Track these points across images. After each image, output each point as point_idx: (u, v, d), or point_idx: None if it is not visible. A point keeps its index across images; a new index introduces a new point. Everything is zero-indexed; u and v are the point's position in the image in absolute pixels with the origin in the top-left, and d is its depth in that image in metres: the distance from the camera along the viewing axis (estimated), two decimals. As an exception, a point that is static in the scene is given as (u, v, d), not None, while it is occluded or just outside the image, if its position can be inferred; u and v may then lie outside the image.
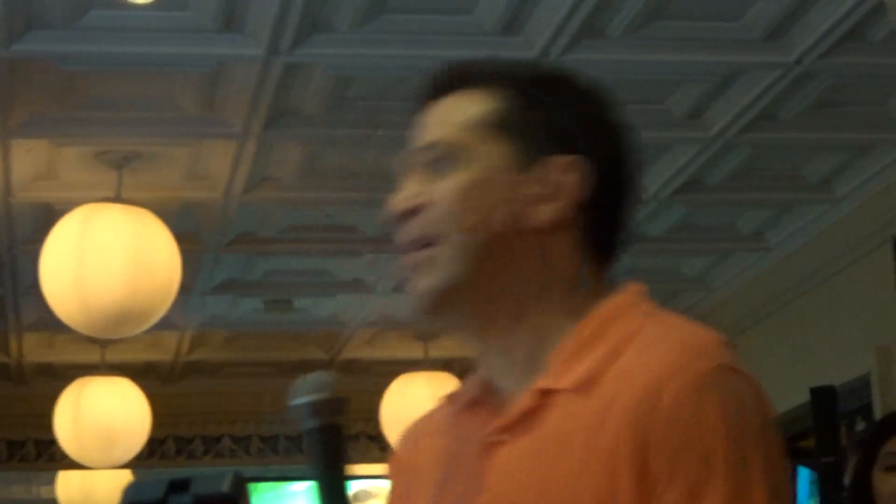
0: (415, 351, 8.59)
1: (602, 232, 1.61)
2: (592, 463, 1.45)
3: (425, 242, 1.57)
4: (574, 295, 1.58)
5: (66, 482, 10.02)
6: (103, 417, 7.62)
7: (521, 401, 1.52)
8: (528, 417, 1.52)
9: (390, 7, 4.46)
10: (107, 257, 5.32)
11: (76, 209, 5.48)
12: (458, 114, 1.62)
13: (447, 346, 8.61)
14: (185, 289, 6.17)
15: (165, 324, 6.32)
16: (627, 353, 1.50)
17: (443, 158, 1.59)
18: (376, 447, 9.18)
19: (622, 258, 1.64)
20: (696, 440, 1.43)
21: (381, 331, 8.56)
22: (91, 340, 7.14)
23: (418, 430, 1.76)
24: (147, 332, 5.99)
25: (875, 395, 6.28)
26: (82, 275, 5.29)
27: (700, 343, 1.51)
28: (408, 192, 1.60)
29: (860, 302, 6.47)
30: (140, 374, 8.44)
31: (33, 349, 8.44)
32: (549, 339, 1.55)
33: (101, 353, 8.09)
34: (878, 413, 5.97)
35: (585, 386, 1.49)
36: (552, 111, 1.62)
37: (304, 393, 1.57)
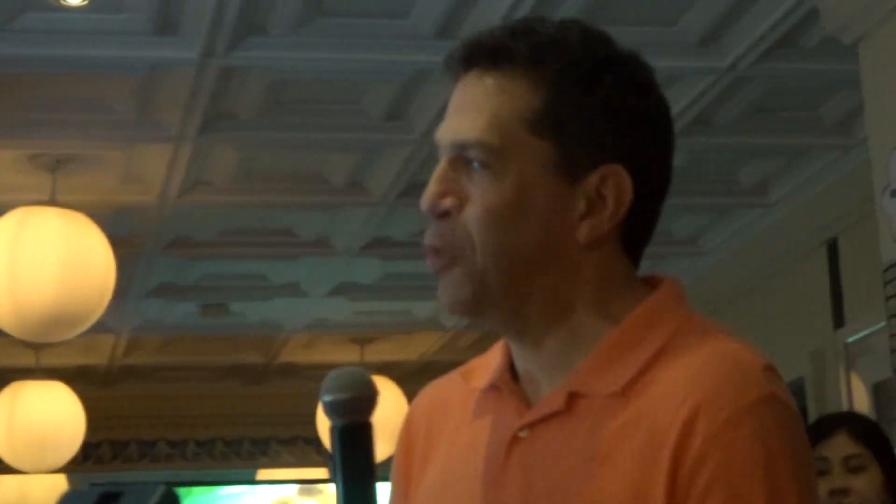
0: (351, 354, 8.60)
1: (639, 235, 1.52)
2: (618, 479, 1.40)
3: (448, 259, 1.47)
4: (610, 297, 1.49)
5: (2, 486, 9.95)
6: (37, 422, 7.57)
7: (550, 400, 1.47)
8: (554, 417, 1.46)
9: (326, 10, 4.44)
10: (41, 260, 5.26)
11: (10, 212, 5.43)
12: (497, 104, 1.46)
13: (383, 350, 8.61)
14: (121, 292, 6.13)
15: (100, 327, 6.30)
16: (665, 366, 1.44)
17: (477, 159, 1.46)
18: (313, 451, 9.17)
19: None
20: (731, 475, 1.38)
21: (316, 334, 8.56)
22: (25, 344, 7.11)
23: (432, 401, 1.67)
24: (82, 335, 5.94)
25: (809, 400, 6.34)
26: (16, 278, 5.25)
27: (744, 368, 1.44)
28: (438, 189, 1.47)
29: (794, 306, 6.51)
30: (75, 377, 8.40)
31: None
32: (583, 341, 1.48)
33: (35, 357, 8.05)
34: (811, 418, 6.03)
35: (617, 395, 1.43)
36: (605, 109, 1.47)
37: (327, 391, 1.46)
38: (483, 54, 1.49)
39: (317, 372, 8.71)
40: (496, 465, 1.47)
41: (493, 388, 1.53)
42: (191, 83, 4.78)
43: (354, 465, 1.41)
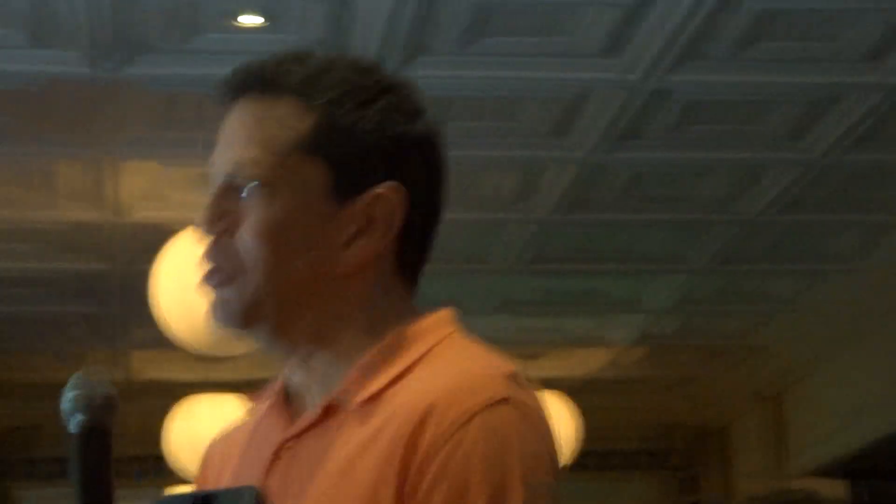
0: (196, 373, 8.50)
1: (413, 257, 1.55)
2: (357, 481, 1.43)
3: (225, 276, 1.50)
4: (379, 319, 1.52)
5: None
6: (210, 434, 7.72)
7: (310, 413, 1.50)
8: (312, 429, 1.49)
9: (491, 29, 4.51)
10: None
11: (186, 229, 5.59)
12: (268, 130, 1.49)
13: (546, 367, 8.61)
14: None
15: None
16: (414, 375, 1.47)
17: (246, 186, 1.48)
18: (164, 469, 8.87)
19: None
20: (453, 475, 1.39)
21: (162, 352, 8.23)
22: (199, 358, 7.25)
23: (224, 437, 1.72)
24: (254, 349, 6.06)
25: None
26: (191, 292, 5.40)
27: (483, 374, 1.45)
28: (211, 213, 1.51)
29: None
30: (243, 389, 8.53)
31: (143, 367, 8.58)
32: (349, 358, 1.50)
33: (207, 371, 8.20)
34: None
35: (367, 404, 1.46)
36: (373, 130, 1.49)
37: (71, 388, 1.40)
38: (252, 82, 1.50)
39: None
40: (264, 463, 1.51)
41: (270, 407, 1.58)
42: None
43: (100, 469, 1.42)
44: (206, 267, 1.52)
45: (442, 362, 1.48)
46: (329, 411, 1.47)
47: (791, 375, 8.61)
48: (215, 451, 1.70)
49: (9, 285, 7.11)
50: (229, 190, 1.49)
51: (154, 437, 7.95)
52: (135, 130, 5.28)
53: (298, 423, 1.51)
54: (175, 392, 8.13)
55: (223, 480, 1.58)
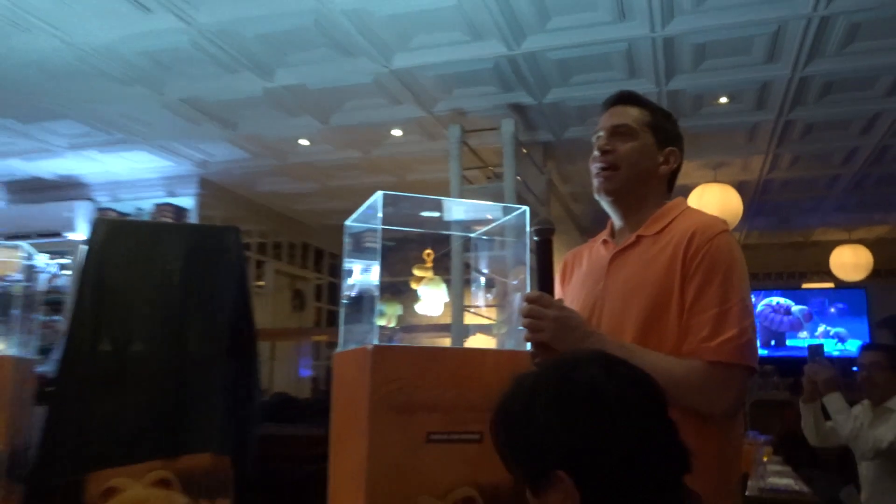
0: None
1: (673, 175, 3.31)
2: (658, 268, 3.02)
3: (612, 168, 3.22)
4: (660, 198, 3.27)
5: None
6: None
7: (626, 240, 3.21)
8: (628, 249, 3.18)
9: None
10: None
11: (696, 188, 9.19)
12: (631, 115, 3.26)
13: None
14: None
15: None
16: (676, 221, 3.14)
17: (624, 133, 3.23)
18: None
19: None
20: (707, 262, 2.95)
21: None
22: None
23: (577, 252, 3.49)
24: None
25: None
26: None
27: (713, 219, 3.08)
28: (605, 143, 3.24)
29: None
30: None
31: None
32: (648, 214, 3.23)
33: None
34: None
35: (657, 234, 3.14)
36: (667, 125, 3.29)
37: (533, 224, 3.04)
38: (624, 99, 3.31)
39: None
40: (601, 274, 3.20)
41: (603, 242, 3.35)
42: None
43: (548, 262, 3.03)
44: (600, 165, 3.25)
45: (691, 215, 3.16)
46: (638, 239, 3.19)
47: None
48: (570, 258, 3.52)
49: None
50: (612, 134, 3.26)
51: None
52: None
53: (621, 244, 3.23)
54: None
55: (574, 276, 3.40)
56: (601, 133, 3.28)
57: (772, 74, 7.68)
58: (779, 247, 15.45)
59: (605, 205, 3.30)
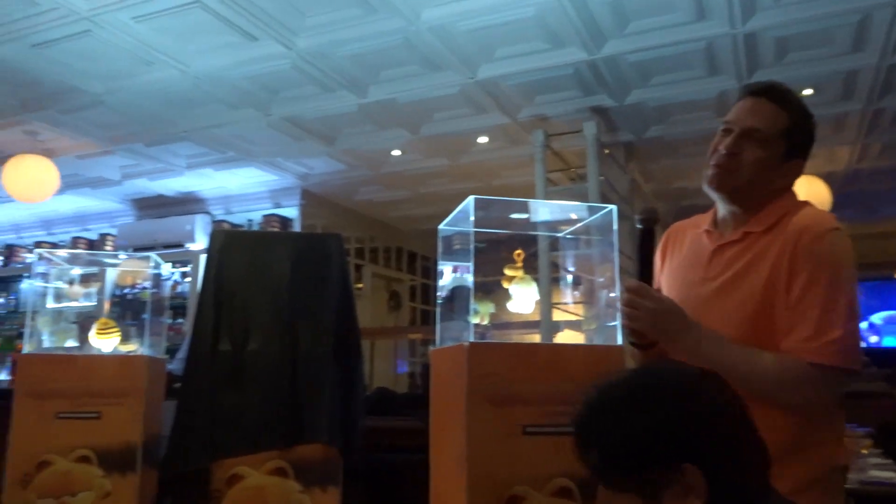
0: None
1: (794, 178, 3.15)
2: (766, 263, 2.92)
3: (732, 171, 3.05)
4: (772, 197, 3.09)
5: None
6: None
7: (732, 234, 3.09)
8: (733, 244, 3.06)
9: None
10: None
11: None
12: (769, 117, 3.04)
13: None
14: None
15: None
16: (787, 218, 2.99)
17: (755, 139, 3.03)
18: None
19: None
20: (815, 260, 2.85)
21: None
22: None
23: (681, 228, 3.34)
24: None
25: None
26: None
27: (825, 216, 2.95)
28: (732, 145, 3.05)
29: None
30: None
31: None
32: (757, 211, 3.08)
33: None
34: None
35: (765, 231, 3.01)
36: (803, 133, 3.09)
37: (638, 213, 3.03)
38: (763, 90, 3.10)
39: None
40: (705, 261, 3.11)
41: (706, 231, 3.19)
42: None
43: (651, 248, 3.08)
44: (721, 164, 3.08)
45: (801, 211, 3.01)
46: (744, 236, 3.07)
47: None
48: (673, 232, 3.40)
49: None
50: (743, 136, 3.06)
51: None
52: None
53: (727, 237, 3.12)
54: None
55: (674, 257, 3.30)
56: (733, 128, 3.09)
57: (858, 64, 7.79)
58: (868, 237, 15.20)
59: (713, 195, 3.17)
